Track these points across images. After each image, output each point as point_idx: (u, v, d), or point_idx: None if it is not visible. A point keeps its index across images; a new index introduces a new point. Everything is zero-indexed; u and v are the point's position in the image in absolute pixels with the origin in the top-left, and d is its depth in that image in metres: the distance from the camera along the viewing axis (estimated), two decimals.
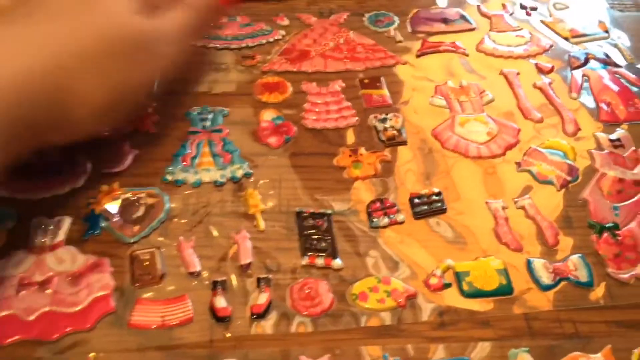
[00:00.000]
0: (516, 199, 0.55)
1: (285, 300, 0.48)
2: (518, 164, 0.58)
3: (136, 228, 0.52)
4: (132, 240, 0.51)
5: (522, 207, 0.54)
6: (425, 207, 0.54)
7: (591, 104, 0.64)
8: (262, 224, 0.53)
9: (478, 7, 0.75)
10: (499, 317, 0.48)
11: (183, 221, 0.53)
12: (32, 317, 0.47)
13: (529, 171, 0.57)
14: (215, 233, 0.52)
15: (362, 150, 0.59)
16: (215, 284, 0.49)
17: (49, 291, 0.48)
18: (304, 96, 0.64)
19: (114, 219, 0.52)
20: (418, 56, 0.69)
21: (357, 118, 0.62)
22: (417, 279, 0.50)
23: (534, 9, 0.75)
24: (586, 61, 0.68)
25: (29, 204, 0.54)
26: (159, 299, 0.48)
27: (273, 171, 0.57)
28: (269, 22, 0.73)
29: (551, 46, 0.70)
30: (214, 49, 0.69)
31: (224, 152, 0.58)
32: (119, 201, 0.54)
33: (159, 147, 0.59)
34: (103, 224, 0.52)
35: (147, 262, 0.50)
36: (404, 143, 0.60)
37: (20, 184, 0.55)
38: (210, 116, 0.62)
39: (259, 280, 0.49)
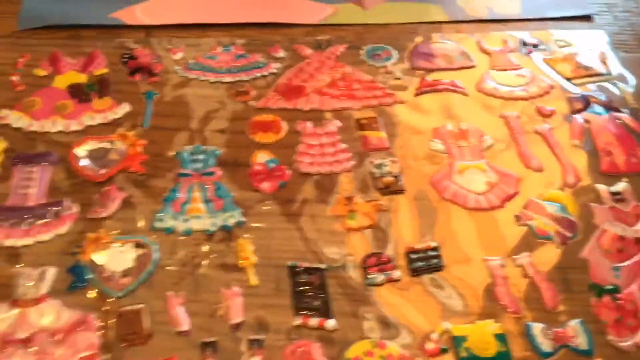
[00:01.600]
0: (515, 257, 0.53)
1: None
2: (517, 217, 0.56)
3: (123, 281, 0.50)
4: (119, 295, 0.50)
5: (521, 266, 0.53)
6: (422, 263, 0.53)
7: (592, 152, 0.62)
8: (253, 279, 0.51)
9: (478, 42, 0.73)
10: None
11: (171, 272, 0.51)
12: None
13: (528, 226, 0.56)
14: (204, 287, 0.51)
15: (358, 198, 0.57)
16: (205, 346, 0.47)
17: (32, 349, 0.46)
18: (299, 136, 0.62)
19: (101, 272, 0.50)
20: (416, 95, 0.67)
21: (352, 162, 0.60)
22: (413, 342, 0.48)
23: (535, 46, 0.73)
24: (587, 104, 0.67)
25: (10, 251, 0.52)
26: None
27: (266, 219, 0.56)
28: (264, 54, 0.71)
29: (552, 87, 0.68)
30: (207, 82, 0.67)
31: (216, 197, 0.57)
32: (105, 252, 0.52)
33: (148, 189, 0.57)
34: (89, 275, 0.50)
35: (134, 320, 0.48)
36: (401, 192, 0.58)
37: (5, 230, 0.53)
38: (201, 157, 0.60)
39: (250, 342, 0.48)
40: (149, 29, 0.73)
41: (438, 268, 0.53)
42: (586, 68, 0.71)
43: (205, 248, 0.53)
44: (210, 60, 0.69)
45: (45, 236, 0.53)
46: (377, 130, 0.63)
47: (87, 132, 0.62)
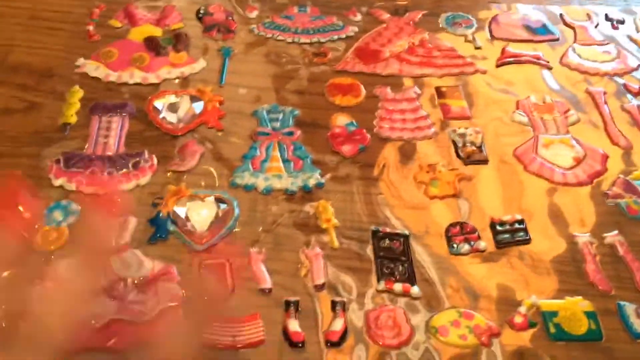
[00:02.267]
0: (605, 235, 0.51)
1: (361, 328, 0.46)
2: (606, 194, 0.54)
3: (205, 235, 0.49)
4: (201, 248, 0.49)
5: (611, 244, 0.51)
6: (508, 235, 0.51)
7: None
8: (335, 241, 0.50)
9: (561, 15, 0.71)
10: None
11: (252, 230, 0.50)
12: (98, 325, 0.44)
13: (618, 204, 0.54)
14: (285, 246, 0.50)
15: (441, 166, 0.55)
16: (288, 305, 0.46)
17: (114, 299, 0.45)
18: (378, 101, 0.61)
19: (183, 224, 0.50)
20: (498, 66, 0.65)
21: (433, 129, 0.59)
22: (500, 314, 0.47)
23: (621, 22, 0.70)
24: None
25: (92, 199, 0.51)
26: (230, 315, 0.45)
27: (346, 183, 0.54)
28: (340, 17, 0.69)
29: (639, 65, 0.66)
30: (283, 42, 0.65)
31: (295, 157, 0.55)
32: (186, 205, 0.51)
33: (226, 146, 0.56)
34: (170, 228, 0.50)
35: (217, 274, 0.47)
36: (484, 162, 0.56)
37: (85, 177, 0.52)
38: (280, 116, 0.58)
39: (333, 303, 0.47)
40: None
41: (524, 241, 0.51)
42: None
43: (285, 207, 0.52)
44: (287, 20, 0.68)
45: (126, 186, 0.52)
46: (459, 99, 0.61)
47: (164, 85, 0.61)
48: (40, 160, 0.53)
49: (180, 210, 0.50)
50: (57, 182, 0.52)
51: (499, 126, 0.60)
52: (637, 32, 0.70)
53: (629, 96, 0.63)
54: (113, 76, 0.61)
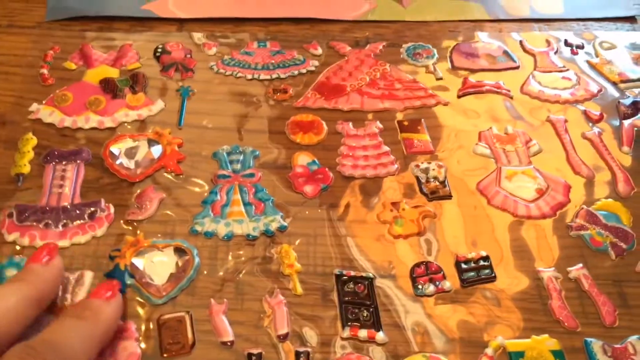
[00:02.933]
0: (569, 269, 0.51)
1: None
2: (570, 227, 0.54)
3: (165, 287, 0.48)
4: (160, 302, 0.47)
5: (576, 279, 0.51)
6: (473, 273, 0.51)
7: None
8: (299, 288, 0.49)
9: (521, 42, 0.71)
10: None
11: (213, 279, 0.49)
12: None
13: (582, 236, 0.53)
14: (247, 295, 0.49)
15: (404, 204, 0.55)
16: (250, 358, 0.45)
17: None
18: (340, 137, 0.60)
19: (141, 277, 0.48)
20: (459, 96, 0.65)
21: (396, 166, 0.58)
22: (468, 357, 0.46)
23: (580, 47, 0.71)
24: (636, 110, 0.64)
25: None
26: None
27: (308, 225, 0.53)
28: (301, 51, 0.68)
29: (599, 91, 0.66)
30: (244, 79, 0.65)
31: (256, 200, 0.54)
32: (145, 257, 0.49)
33: (186, 191, 0.55)
34: (128, 281, 0.48)
35: (177, 330, 0.46)
36: (448, 197, 0.56)
37: (39, 231, 0.51)
38: (240, 157, 0.57)
39: (297, 354, 0.46)
40: (181, 22, 0.70)
41: (490, 279, 0.51)
42: (633, 71, 0.68)
43: (247, 253, 0.51)
44: (247, 55, 0.67)
45: (81, 238, 0.51)
46: (422, 133, 0.61)
47: (121, 129, 0.59)
48: None
49: (139, 262, 0.49)
50: (10, 238, 0.50)
51: (462, 159, 0.59)
52: (596, 57, 0.70)
53: (590, 124, 0.63)
54: (68, 121, 0.59)
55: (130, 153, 0.57)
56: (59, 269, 0.45)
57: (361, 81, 0.65)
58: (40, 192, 0.54)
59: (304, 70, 0.66)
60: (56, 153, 0.56)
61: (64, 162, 0.56)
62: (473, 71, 0.67)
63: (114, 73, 0.64)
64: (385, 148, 0.59)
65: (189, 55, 0.66)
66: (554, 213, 0.55)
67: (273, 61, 0.66)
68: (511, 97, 0.65)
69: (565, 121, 0.63)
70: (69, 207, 0.52)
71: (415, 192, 0.56)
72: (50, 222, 0.51)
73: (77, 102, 0.61)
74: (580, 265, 0.52)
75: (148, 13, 0.70)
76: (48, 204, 0.52)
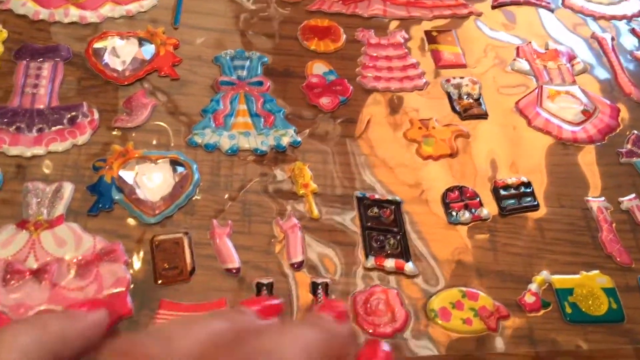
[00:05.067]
0: (621, 199, 0.45)
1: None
2: (619, 153, 0.48)
3: (158, 204, 0.41)
4: (153, 221, 0.40)
5: (628, 209, 0.45)
6: (514, 201, 0.44)
7: None
8: (315, 211, 0.42)
9: None
10: (609, 352, 0.39)
11: (215, 198, 0.42)
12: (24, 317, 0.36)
13: (634, 164, 0.47)
14: (256, 217, 0.42)
15: (434, 122, 0.48)
16: (259, 288, 0.38)
17: (46, 283, 0.37)
18: (360, 46, 0.52)
19: (131, 192, 0.41)
20: (494, 7, 0.57)
21: (425, 80, 0.51)
22: (508, 293, 0.40)
23: None
24: None
25: (17, 162, 0.42)
26: (189, 302, 0.37)
27: (326, 141, 0.46)
28: None
29: None
30: None
31: (265, 111, 0.47)
32: (135, 169, 0.42)
33: (184, 97, 0.47)
34: (116, 196, 0.41)
35: (173, 253, 0.39)
36: (483, 116, 0.49)
37: (9, 135, 0.43)
38: (246, 63, 0.50)
39: (314, 285, 0.39)
40: None
41: (532, 207, 0.44)
42: None
43: (255, 170, 0.44)
44: None
45: (60, 146, 0.43)
46: (452, 45, 0.53)
47: (107, 25, 0.51)
48: None
49: (128, 175, 0.42)
50: None
51: (497, 75, 0.52)
52: None
53: (638, 42, 0.56)
54: (44, 14, 0.50)
55: (117, 52, 0.48)
56: (350, 329, 0.31)
57: None
58: (11, 92, 0.45)
59: None
60: (30, 49, 0.48)
61: (39, 60, 0.47)
62: None
63: None
64: (412, 60, 0.52)
65: None
66: (602, 137, 0.49)
67: None
68: (552, 10, 0.57)
69: (613, 39, 0.56)
70: (45, 110, 0.45)
71: (446, 110, 0.49)
72: (22, 125, 0.43)
73: None
74: (633, 195, 0.45)
75: None
76: (20, 106, 0.44)
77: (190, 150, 0.44)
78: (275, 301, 0.30)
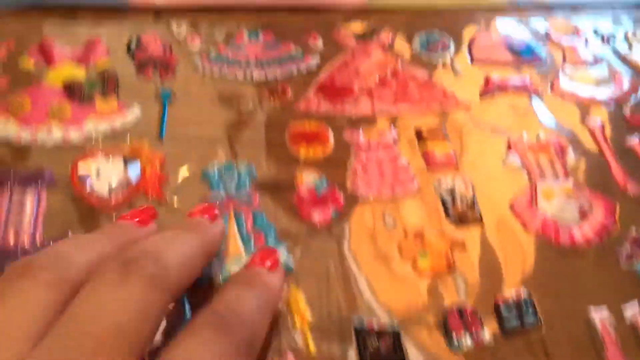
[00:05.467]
0: (625, 309, 0.44)
1: None
2: (619, 257, 0.47)
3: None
4: None
5: (633, 322, 0.44)
6: (516, 322, 0.43)
7: None
8: (312, 346, 0.41)
9: (547, 33, 0.63)
10: None
11: None
12: None
13: (635, 269, 0.46)
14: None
15: (429, 232, 0.47)
16: None
17: None
18: (349, 148, 0.52)
19: None
20: (482, 96, 0.57)
21: (417, 184, 0.50)
22: None
23: (612, 36, 0.63)
24: None
25: None
26: None
27: (319, 261, 0.45)
28: (299, 42, 0.59)
29: (637, 89, 0.58)
30: (233, 79, 0.55)
31: (256, 230, 0.46)
32: None
33: (171, 222, 0.46)
34: None
35: None
36: (479, 221, 0.48)
37: None
38: (234, 177, 0.49)
39: None
40: (158, 11, 0.60)
41: (535, 326, 0.43)
42: None
43: None
44: (236, 50, 0.57)
45: None
46: (442, 142, 0.53)
47: (90, 142, 0.50)
48: None
49: None
50: None
51: (490, 172, 0.51)
52: (630, 49, 0.62)
53: (631, 129, 0.55)
54: (26, 134, 0.49)
55: (102, 175, 0.47)
56: (223, 226, 0.40)
57: (370, 80, 0.56)
58: None
59: (303, 68, 0.57)
60: (12, 176, 0.47)
61: (22, 187, 0.46)
62: (495, 65, 0.59)
63: (80, 73, 0.54)
64: (403, 161, 0.51)
65: (168, 51, 0.56)
66: (599, 239, 0.48)
67: (267, 57, 0.57)
68: (541, 97, 0.57)
69: (603, 127, 0.55)
70: (29, 248, 0.43)
71: (440, 216, 0.48)
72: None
73: (37, 110, 0.51)
74: (635, 301, 0.44)
75: (119, 0, 0.60)
76: (4, 245, 0.43)
77: None
78: (145, 206, 0.39)
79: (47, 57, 0.55)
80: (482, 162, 0.52)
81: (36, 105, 0.51)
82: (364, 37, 0.60)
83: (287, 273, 0.44)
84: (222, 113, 0.53)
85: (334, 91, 0.55)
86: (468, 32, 0.62)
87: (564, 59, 0.60)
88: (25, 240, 0.44)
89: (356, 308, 0.43)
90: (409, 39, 0.61)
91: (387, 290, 0.44)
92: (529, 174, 0.51)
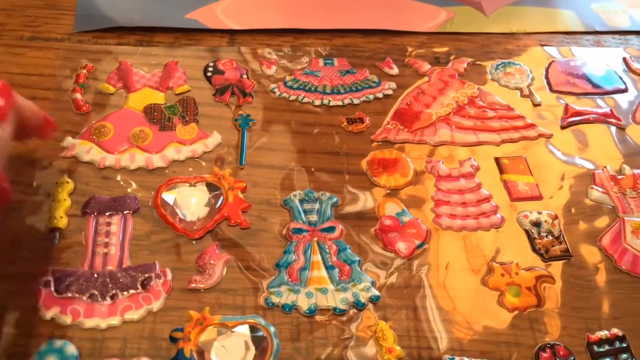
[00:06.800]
0: None
1: None
2: None
3: None
4: None
5: None
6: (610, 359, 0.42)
7: None
8: None
9: (625, 59, 0.61)
10: None
11: None
12: None
13: None
14: None
15: (516, 267, 0.46)
16: None
17: None
18: (428, 178, 0.51)
19: None
20: (563, 127, 0.55)
21: (500, 215, 0.49)
22: None
23: None
24: None
25: (92, 336, 0.41)
26: None
27: (406, 293, 0.44)
28: (374, 69, 0.59)
29: None
30: (310, 105, 0.55)
31: (340, 261, 0.45)
32: (216, 338, 0.41)
33: (255, 249, 0.46)
34: None
35: None
36: (568, 257, 0.47)
37: (83, 305, 0.42)
38: (316, 206, 0.48)
39: None
40: (232, 34, 0.61)
41: None
42: None
43: (334, 332, 0.42)
44: (312, 76, 0.57)
45: (135, 314, 0.42)
46: (525, 174, 0.52)
47: (173, 169, 0.50)
48: (24, 282, 0.43)
49: (207, 347, 0.40)
50: (48, 315, 0.41)
51: (575, 206, 0.50)
52: None
53: None
54: (109, 160, 0.50)
55: (186, 201, 0.47)
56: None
57: (448, 108, 0.56)
58: (80, 252, 0.44)
59: (379, 94, 0.56)
60: (98, 201, 0.47)
61: (107, 213, 0.46)
62: (575, 95, 0.58)
63: (159, 98, 0.54)
64: (485, 192, 0.50)
65: (245, 75, 0.57)
66: None
67: (343, 83, 0.57)
68: (623, 128, 0.56)
69: None
70: (117, 272, 0.43)
71: (526, 249, 0.47)
72: (95, 292, 0.42)
73: (118, 136, 0.51)
74: None
75: (194, 23, 0.60)
76: (91, 269, 0.43)
77: (267, 311, 0.43)
78: None
79: (126, 82, 0.55)
80: (566, 194, 0.51)
81: (118, 130, 0.51)
82: (438, 63, 0.59)
83: (374, 303, 0.43)
84: (300, 140, 0.53)
85: (411, 118, 0.54)
86: (545, 60, 0.61)
87: None
88: (113, 265, 0.44)
89: (444, 344, 0.42)
90: (484, 66, 0.60)
91: (474, 326, 0.43)
92: (615, 208, 0.50)
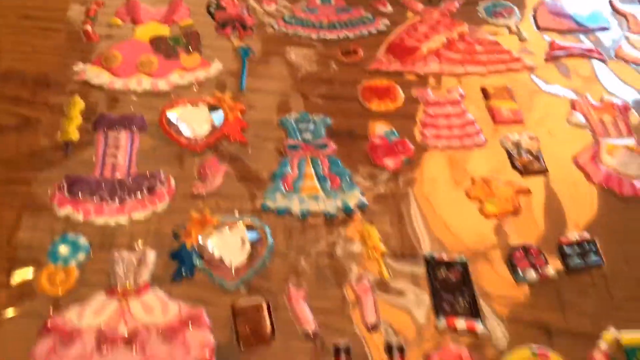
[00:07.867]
0: None
1: None
2: None
3: (237, 270, 0.43)
4: (232, 287, 0.42)
5: None
6: (579, 260, 0.45)
7: None
8: (386, 272, 0.44)
9: (611, 2, 0.64)
10: None
11: (289, 262, 0.44)
12: None
13: None
14: (329, 280, 0.43)
15: (496, 180, 0.49)
16: (337, 351, 0.40)
17: (136, 350, 0.39)
18: (417, 105, 0.54)
19: (210, 258, 0.43)
20: (547, 60, 0.58)
21: (483, 137, 0.52)
22: (577, 350, 0.41)
23: None
24: None
25: (103, 231, 0.45)
26: None
27: (391, 202, 0.48)
28: (369, 8, 0.62)
29: None
30: (307, 39, 0.58)
31: (332, 174, 0.49)
32: (213, 236, 0.44)
33: (253, 162, 0.49)
34: (197, 262, 0.43)
35: (254, 318, 0.41)
36: (543, 172, 0.50)
37: (94, 205, 0.45)
38: (310, 126, 0.52)
39: (389, 347, 0.40)
40: None
41: (597, 264, 0.45)
42: None
43: (325, 233, 0.46)
44: (309, 13, 0.60)
45: (141, 214, 0.45)
46: (508, 100, 0.55)
47: (176, 92, 0.53)
48: (40, 186, 0.46)
49: (207, 242, 0.44)
50: (62, 213, 0.45)
51: (554, 129, 0.53)
52: None
53: None
54: (118, 83, 0.53)
55: (189, 119, 0.51)
56: None
57: (437, 43, 0.59)
58: (91, 162, 0.48)
59: (373, 30, 0.60)
60: (107, 118, 0.51)
61: (116, 129, 0.50)
62: (561, 32, 0.61)
63: (164, 31, 0.58)
64: (470, 117, 0.53)
65: (246, 12, 0.60)
66: None
67: (339, 19, 0.60)
68: (605, 62, 0.58)
69: None
70: (124, 179, 0.47)
71: (507, 166, 0.50)
72: (105, 195, 0.46)
73: (127, 63, 0.55)
74: None
75: None
76: (102, 176, 0.47)
77: (263, 215, 0.46)
78: None
79: (134, 16, 0.59)
80: (545, 119, 0.54)
81: (127, 58, 0.55)
82: (431, 3, 0.63)
83: (362, 209, 0.47)
84: (297, 70, 0.56)
85: (403, 51, 0.58)
86: (533, 1, 0.64)
87: (628, 27, 0.62)
88: (121, 173, 0.47)
89: (426, 245, 0.45)
90: (475, 6, 0.63)
91: (455, 230, 0.46)
92: (592, 131, 0.53)
